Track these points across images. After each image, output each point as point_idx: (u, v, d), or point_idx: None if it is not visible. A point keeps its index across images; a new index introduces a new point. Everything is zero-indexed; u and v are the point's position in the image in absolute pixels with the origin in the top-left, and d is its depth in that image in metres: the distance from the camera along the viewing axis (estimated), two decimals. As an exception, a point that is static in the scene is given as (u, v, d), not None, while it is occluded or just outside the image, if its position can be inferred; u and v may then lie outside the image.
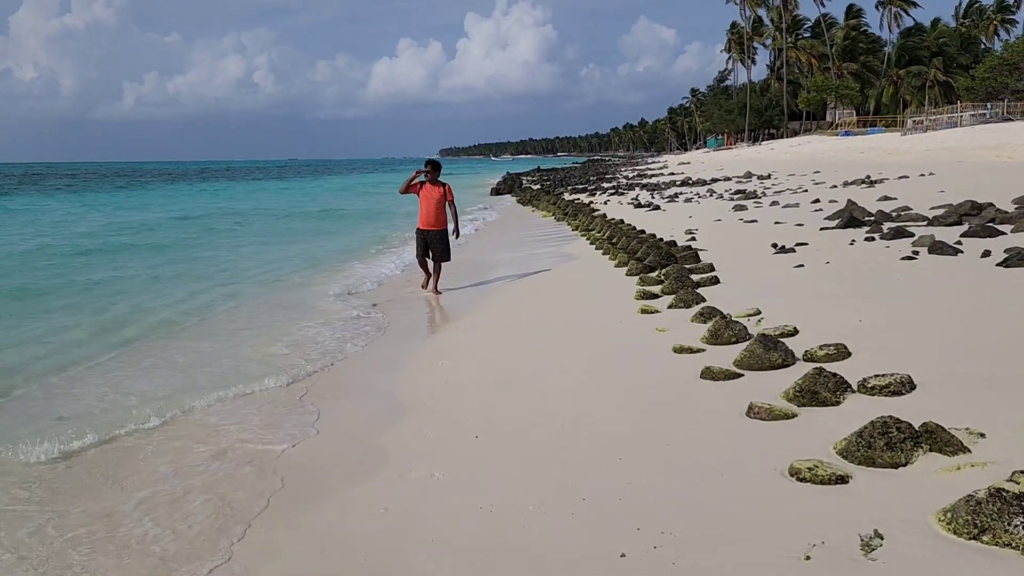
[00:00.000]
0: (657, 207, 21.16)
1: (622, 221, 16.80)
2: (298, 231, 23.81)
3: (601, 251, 13.40)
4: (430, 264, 11.02)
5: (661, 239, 12.83)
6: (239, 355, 7.97)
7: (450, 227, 11.07)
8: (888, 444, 3.78)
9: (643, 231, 14.45)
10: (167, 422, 5.97)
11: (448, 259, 11.02)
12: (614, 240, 13.76)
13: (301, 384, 6.88)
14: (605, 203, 25.25)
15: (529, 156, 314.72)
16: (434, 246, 10.92)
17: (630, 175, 49.25)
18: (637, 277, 9.94)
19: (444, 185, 10.99)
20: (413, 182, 10.92)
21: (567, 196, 30.93)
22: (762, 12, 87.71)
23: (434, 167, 11.04)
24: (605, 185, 37.78)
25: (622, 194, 29.22)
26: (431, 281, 10.92)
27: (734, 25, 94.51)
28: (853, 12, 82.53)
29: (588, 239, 15.54)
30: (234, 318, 9.98)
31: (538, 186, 43.16)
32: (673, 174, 42.83)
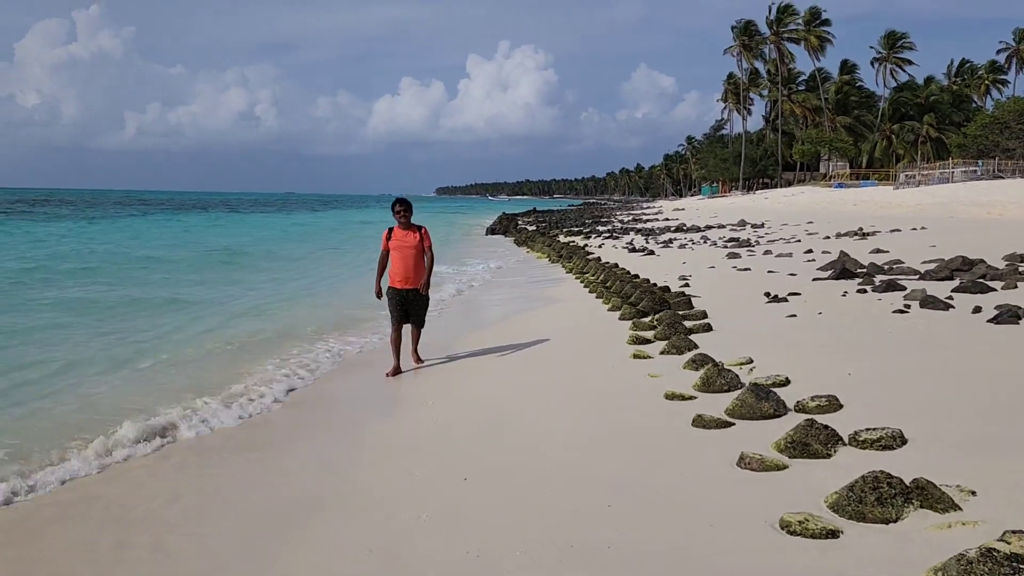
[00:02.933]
0: (651, 252, 21.30)
1: (616, 265, 16.88)
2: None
3: (595, 294, 13.42)
4: (406, 334, 8.91)
5: (655, 284, 12.87)
6: (211, 383, 7.90)
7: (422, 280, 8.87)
8: (879, 499, 3.76)
9: (637, 275, 14.51)
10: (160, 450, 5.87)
11: (423, 323, 9.00)
12: (608, 284, 13.81)
13: (284, 419, 6.82)
14: (600, 246, 25.42)
15: (526, 197, 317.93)
16: (416, 308, 8.77)
17: (625, 219, 49.67)
18: (630, 322, 9.94)
19: (420, 229, 8.75)
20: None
21: (562, 238, 31.23)
22: (759, 64, 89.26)
23: (406, 207, 8.66)
24: (600, 228, 38.15)
25: (617, 238, 29.44)
26: (412, 345, 8.89)
27: (731, 76, 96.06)
28: (847, 67, 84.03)
29: (582, 282, 15.60)
30: (227, 341, 9.93)
31: (533, 227, 43.66)
32: (668, 220, 43.13)
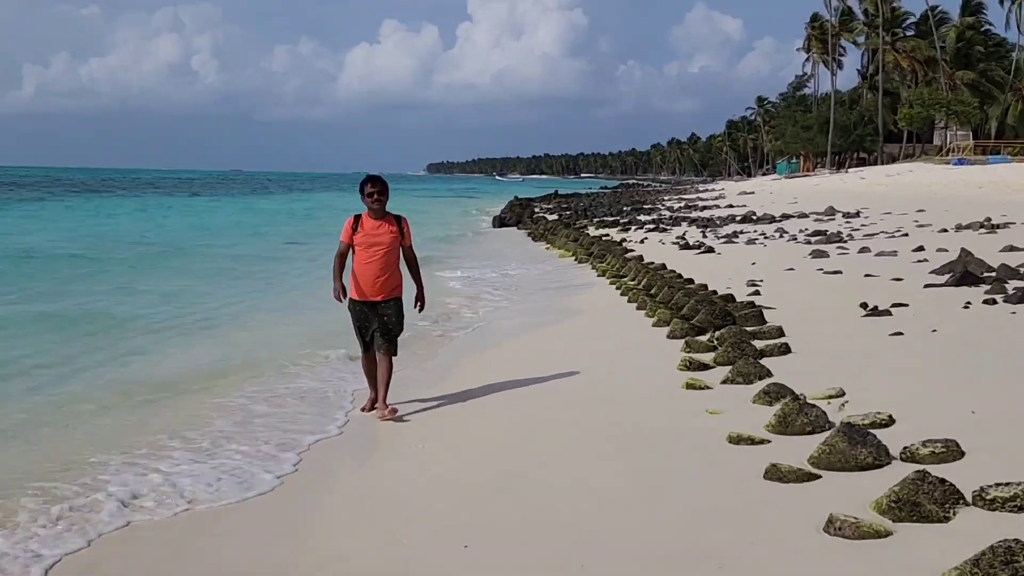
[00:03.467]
0: (710, 249, 21.32)
1: (663, 266, 16.90)
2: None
3: (635, 304, 13.45)
4: (376, 364, 8.31)
5: (714, 291, 12.87)
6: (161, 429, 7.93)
7: (408, 294, 8.46)
8: (1013, 577, 3.72)
9: (691, 280, 14.52)
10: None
11: (396, 352, 8.32)
12: (652, 291, 13.83)
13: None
14: (642, 241, 25.50)
15: (544, 176, 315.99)
16: (385, 327, 8.18)
17: (675, 206, 49.58)
18: (682, 341, 9.95)
19: (398, 220, 8.24)
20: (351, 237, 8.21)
21: (592, 231, 31.26)
22: (853, 2, 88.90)
23: (381, 188, 8.14)
24: (642, 218, 38.03)
25: (664, 230, 29.49)
26: (378, 389, 8.24)
27: (815, 18, 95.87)
28: (971, 7, 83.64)
29: (618, 288, 15.63)
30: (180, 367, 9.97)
31: (555, 216, 43.59)
32: (732, 206, 43.08)
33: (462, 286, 18.26)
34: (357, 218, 8.21)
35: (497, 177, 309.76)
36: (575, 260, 22.81)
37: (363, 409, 8.37)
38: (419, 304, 8.50)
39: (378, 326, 8.18)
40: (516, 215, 44.50)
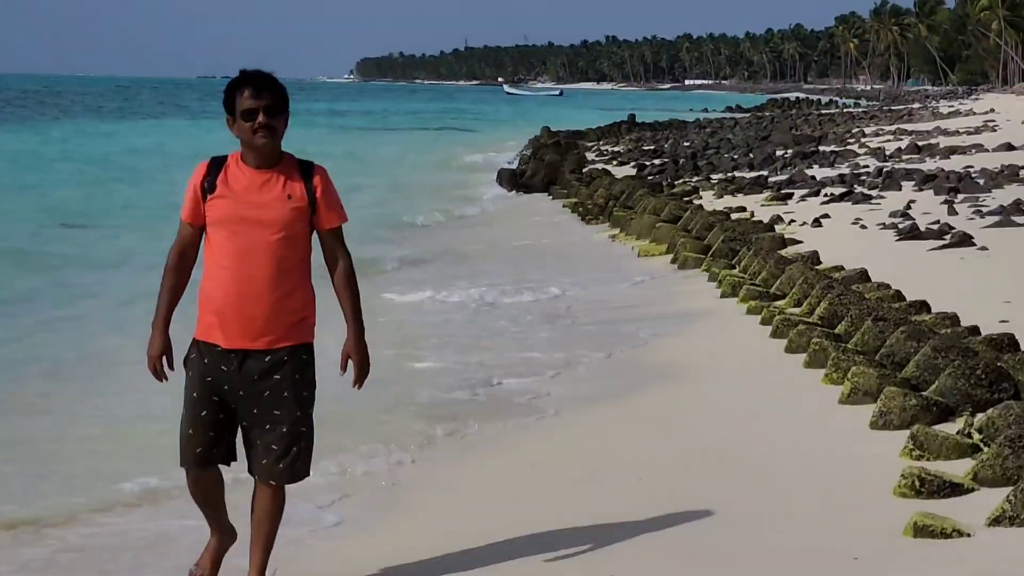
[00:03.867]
0: (966, 238, 12.86)
1: (864, 275, 10.69)
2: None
3: (802, 355, 8.29)
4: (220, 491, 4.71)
5: (974, 330, 8.02)
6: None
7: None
8: None
9: (924, 305, 9.03)
10: None
11: (307, 471, 4.49)
12: (839, 328, 8.59)
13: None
14: (816, 222, 15.60)
15: (604, 85, 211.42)
16: (271, 416, 4.35)
17: (890, 146, 29.73)
18: (904, 433, 6.11)
19: (306, 174, 4.41)
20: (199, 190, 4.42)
21: (709, 199, 19.96)
22: None
23: (272, 100, 4.29)
24: (818, 172, 23.08)
25: (867, 199, 17.85)
26: (253, 555, 4.53)
27: None
28: None
29: (765, 318, 9.72)
30: None
31: (628, 168, 28.03)
32: (1013, 147, 25.81)
33: (452, 331, 10.83)
34: (216, 167, 4.37)
35: (507, 88, 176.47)
36: (673, 262, 14.02)
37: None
38: (356, 370, 4.45)
39: (254, 415, 4.32)
40: (547, 168, 26.44)
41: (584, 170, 27.15)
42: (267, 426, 4.28)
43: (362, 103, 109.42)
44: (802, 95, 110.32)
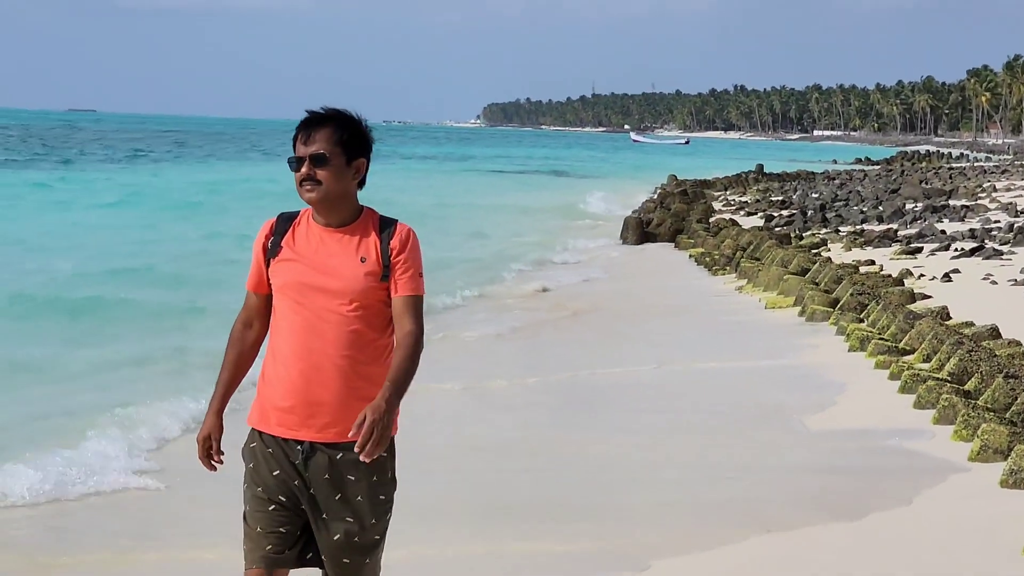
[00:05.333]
0: None
1: (995, 331, 10.45)
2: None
3: (932, 412, 8.09)
4: None
5: None
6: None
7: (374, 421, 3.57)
8: None
9: None
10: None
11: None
12: (968, 385, 8.17)
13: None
14: (947, 277, 15.17)
15: (732, 135, 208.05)
16: (332, 516, 3.65)
17: (1022, 195, 30.32)
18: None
19: (385, 229, 3.64)
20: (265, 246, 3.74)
21: (838, 251, 19.43)
22: None
23: (342, 135, 3.58)
24: (948, 227, 22.31)
25: (998, 255, 17.31)
26: None
27: None
28: None
29: (895, 376, 9.40)
30: None
31: (755, 218, 27.93)
32: None
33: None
34: (284, 225, 3.71)
35: (633, 136, 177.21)
36: (801, 315, 13.62)
37: None
38: (366, 428, 3.33)
39: (322, 520, 3.63)
40: (674, 217, 25.91)
41: (711, 220, 26.77)
42: (336, 536, 3.64)
43: (482, 147, 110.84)
44: (932, 148, 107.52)
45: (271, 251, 3.63)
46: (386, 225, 3.63)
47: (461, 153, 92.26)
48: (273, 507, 3.61)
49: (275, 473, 3.60)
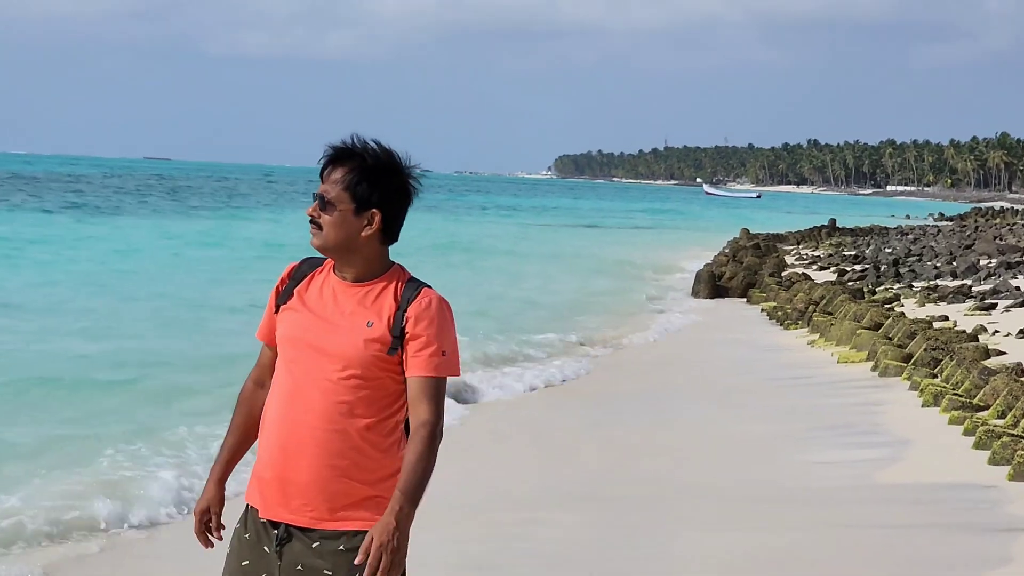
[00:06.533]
0: None
1: None
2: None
3: (1007, 468, 8.05)
4: None
5: None
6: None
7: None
8: None
9: None
10: None
11: None
12: None
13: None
14: (1022, 333, 14.91)
15: (804, 190, 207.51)
16: None
17: None
18: None
19: (410, 292, 3.06)
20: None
21: (911, 307, 19.30)
22: None
23: (358, 175, 3.05)
24: (1020, 283, 21.80)
25: None
26: None
27: None
28: None
29: (967, 430, 9.46)
30: None
31: (828, 273, 28.07)
32: None
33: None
34: (306, 270, 3.21)
35: (707, 189, 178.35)
36: (873, 369, 13.57)
37: None
38: (372, 563, 2.78)
39: None
40: (746, 270, 26.03)
41: (783, 274, 26.77)
42: None
43: (553, 199, 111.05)
44: (1007, 204, 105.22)
45: (282, 297, 3.17)
46: (411, 289, 3.07)
47: (536, 204, 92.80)
48: None
49: (243, 564, 3.12)
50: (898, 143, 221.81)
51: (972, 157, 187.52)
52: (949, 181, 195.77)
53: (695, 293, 24.36)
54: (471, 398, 11.83)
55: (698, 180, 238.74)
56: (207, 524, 3.15)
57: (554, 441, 10.42)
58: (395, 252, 3.11)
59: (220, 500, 3.17)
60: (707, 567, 6.61)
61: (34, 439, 9.37)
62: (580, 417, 11.52)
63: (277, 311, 3.12)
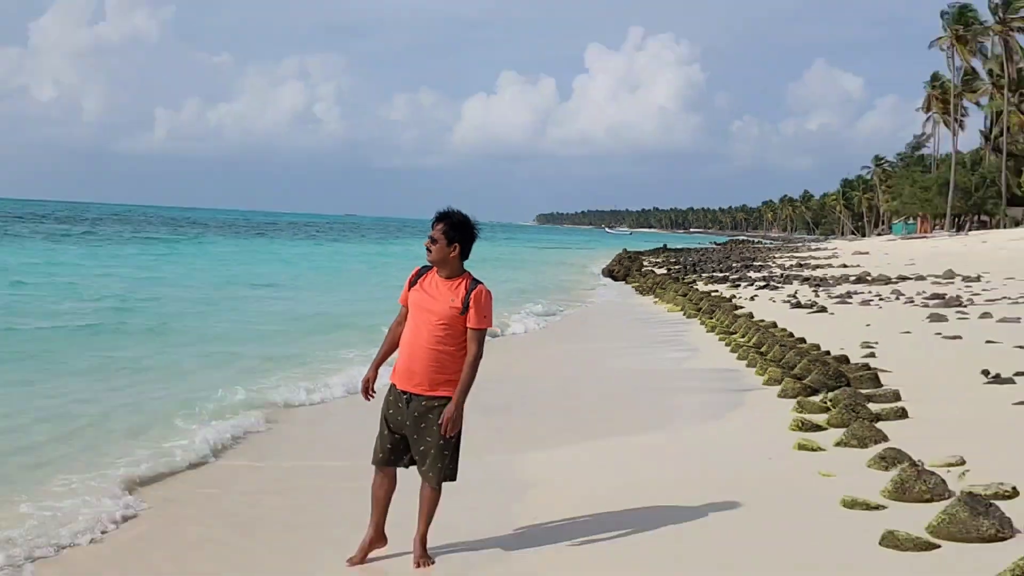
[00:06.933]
0: (823, 309, 20.88)
1: (774, 324, 16.64)
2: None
3: (744, 361, 13.31)
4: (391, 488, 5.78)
5: (827, 352, 12.62)
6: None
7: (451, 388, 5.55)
8: None
9: (802, 340, 14.27)
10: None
11: (453, 477, 5.61)
12: (763, 349, 13.64)
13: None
14: (752, 299, 25.18)
15: (653, 230, 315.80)
16: (420, 437, 5.52)
17: (786, 264, 48.64)
18: (794, 401, 9.79)
19: (471, 286, 5.54)
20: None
21: (701, 286, 31.10)
22: (976, 63, 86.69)
23: (450, 228, 5.54)
24: (752, 275, 37.49)
25: (775, 288, 29.06)
26: (418, 526, 5.63)
27: (936, 78, 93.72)
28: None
29: (728, 344, 15.45)
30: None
31: (663, 270, 43.69)
32: (845, 266, 42.19)
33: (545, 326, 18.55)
34: (424, 270, 5.66)
35: (607, 230, 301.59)
36: (683, 315, 22.55)
37: (350, 562, 5.61)
38: (445, 419, 5.41)
39: (415, 439, 5.50)
40: (625, 268, 44.42)
41: (642, 270, 43.73)
42: (421, 448, 5.45)
43: (536, 235, 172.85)
44: (744, 237, 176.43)
45: (412, 283, 5.61)
46: (473, 285, 5.49)
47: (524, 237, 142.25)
48: (387, 431, 5.54)
49: (390, 411, 5.53)
50: (696, 208, 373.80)
51: (730, 216, 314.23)
52: (719, 226, 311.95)
53: (603, 274, 43.32)
54: (502, 332, 18.50)
55: (603, 226, 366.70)
56: (367, 387, 5.61)
57: (537, 355, 16.29)
58: (468, 263, 5.83)
59: (375, 377, 5.63)
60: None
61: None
62: (557, 341, 18.24)
63: (409, 290, 5.60)
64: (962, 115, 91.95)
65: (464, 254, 5.50)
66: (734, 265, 47.46)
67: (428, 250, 5.48)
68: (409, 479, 5.72)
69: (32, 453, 8.25)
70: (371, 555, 5.64)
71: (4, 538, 5.97)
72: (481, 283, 5.52)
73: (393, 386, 5.55)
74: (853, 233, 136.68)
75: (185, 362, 13.66)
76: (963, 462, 6.96)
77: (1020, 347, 13.07)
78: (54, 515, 6.49)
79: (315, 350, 14.97)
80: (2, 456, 8.08)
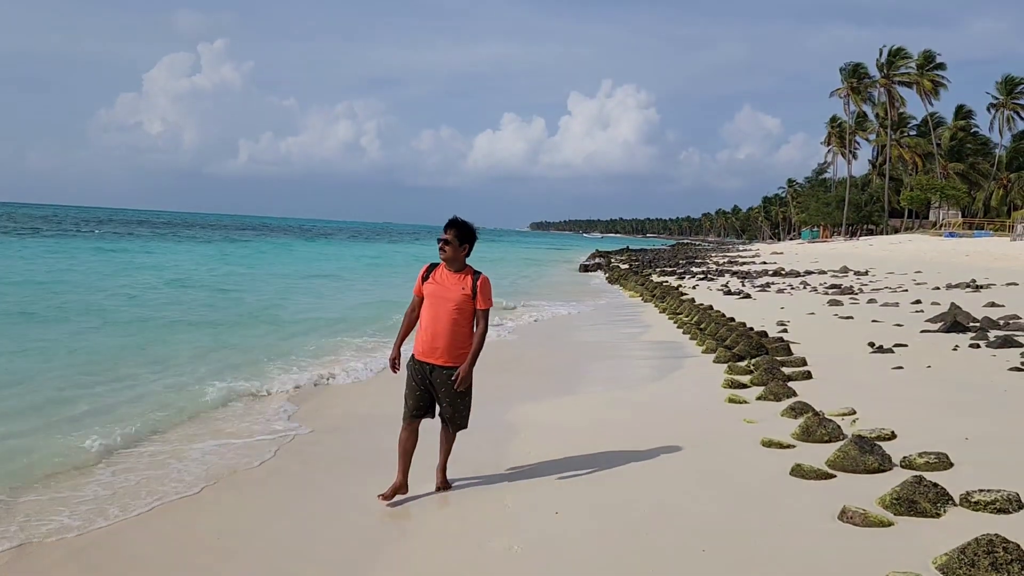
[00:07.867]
0: (747, 295, 20.87)
1: (711, 307, 16.61)
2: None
3: (688, 335, 13.27)
4: (433, 433, 5.78)
5: (751, 328, 12.61)
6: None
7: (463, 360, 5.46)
8: (993, 565, 3.58)
9: (732, 319, 14.24)
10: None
11: (465, 425, 5.59)
12: (702, 326, 13.61)
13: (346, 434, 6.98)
14: (694, 287, 25.12)
15: (618, 235, 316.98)
16: (444, 396, 5.45)
17: (720, 261, 48.60)
18: (725, 365, 9.79)
19: (476, 276, 5.45)
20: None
21: (655, 278, 30.97)
22: (867, 108, 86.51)
23: (459, 233, 5.41)
24: (694, 269, 37.34)
25: (711, 279, 29.03)
26: (439, 458, 5.67)
27: (834, 119, 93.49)
28: (963, 113, 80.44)
29: (675, 323, 15.41)
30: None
31: (626, 266, 43.38)
32: (765, 263, 42.12)
33: (534, 309, 18.48)
34: (432, 267, 5.51)
35: (583, 235, 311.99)
36: (642, 300, 22.39)
37: (383, 497, 5.41)
38: (458, 377, 5.35)
39: (440, 395, 5.45)
40: (597, 263, 45.08)
41: (610, 265, 44.09)
42: (444, 403, 5.42)
43: (529, 239, 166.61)
44: (688, 241, 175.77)
45: (425, 277, 5.46)
46: (477, 275, 5.40)
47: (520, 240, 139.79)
48: (417, 391, 5.40)
49: (417, 378, 5.41)
50: (653, 218, 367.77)
51: (677, 225, 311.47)
52: (668, 232, 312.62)
53: (581, 270, 41.92)
54: (513, 318, 17.26)
55: (581, 232, 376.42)
56: (394, 363, 5.50)
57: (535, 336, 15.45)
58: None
59: (399, 354, 5.50)
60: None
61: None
62: (544, 319, 17.73)
63: (423, 284, 5.44)
64: (855, 148, 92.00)
65: (469, 253, 5.43)
66: (680, 262, 47.64)
67: (443, 250, 5.34)
68: (423, 456, 5.72)
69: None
70: (395, 499, 5.40)
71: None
72: (482, 273, 5.42)
73: (414, 358, 5.44)
74: (771, 238, 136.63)
75: (289, 327, 14.92)
76: (854, 412, 6.97)
77: (898, 325, 13.08)
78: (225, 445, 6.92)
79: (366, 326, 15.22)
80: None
